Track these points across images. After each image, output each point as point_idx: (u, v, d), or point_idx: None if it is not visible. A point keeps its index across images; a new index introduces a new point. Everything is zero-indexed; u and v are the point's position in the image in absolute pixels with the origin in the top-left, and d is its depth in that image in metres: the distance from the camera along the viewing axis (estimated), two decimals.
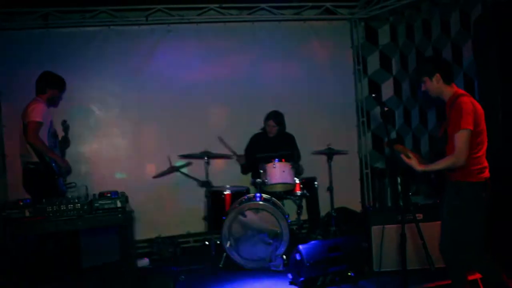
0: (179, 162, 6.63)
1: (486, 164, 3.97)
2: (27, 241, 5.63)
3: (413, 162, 3.90)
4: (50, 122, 5.80)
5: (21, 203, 4.46)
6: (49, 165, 5.59)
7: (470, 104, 3.84)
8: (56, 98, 5.98)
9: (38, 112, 5.53)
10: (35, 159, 5.55)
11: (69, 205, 4.46)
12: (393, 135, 8.40)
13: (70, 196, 4.65)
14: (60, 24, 6.91)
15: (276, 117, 6.86)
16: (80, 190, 5.32)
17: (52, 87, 5.82)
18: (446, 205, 4.10)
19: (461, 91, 4.06)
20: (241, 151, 7.14)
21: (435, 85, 4.05)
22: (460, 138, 3.78)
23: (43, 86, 5.78)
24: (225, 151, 6.88)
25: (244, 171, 7.16)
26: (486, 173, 3.95)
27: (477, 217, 3.92)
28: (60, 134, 6.12)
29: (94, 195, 4.77)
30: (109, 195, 4.66)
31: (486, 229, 3.96)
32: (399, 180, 4.93)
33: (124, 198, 4.70)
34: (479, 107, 3.92)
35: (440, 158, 3.95)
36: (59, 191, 5.62)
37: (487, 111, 4.05)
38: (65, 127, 6.17)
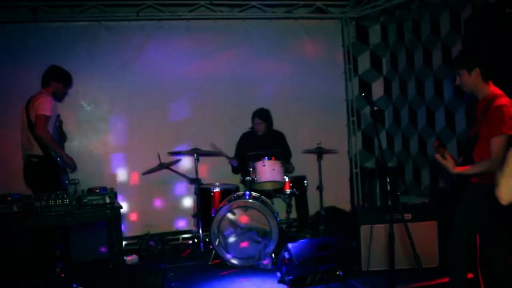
0: None
1: None
2: (16, 236, 5.62)
3: (449, 164, 3.75)
4: (57, 117, 5.78)
5: (9, 198, 4.41)
6: (54, 160, 5.57)
7: (511, 107, 3.71)
8: (60, 93, 5.97)
9: (47, 105, 5.52)
10: (38, 152, 5.52)
11: (58, 201, 4.42)
12: (383, 134, 8.44)
13: (58, 192, 4.61)
14: (50, 18, 6.84)
15: (261, 114, 6.86)
16: (77, 186, 5.28)
17: (56, 81, 5.80)
18: (467, 206, 4.00)
19: (499, 91, 3.89)
20: (230, 147, 7.11)
21: (472, 80, 3.86)
22: (499, 143, 3.63)
23: (48, 79, 5.77)
24: (215, 149, 6.86)
25: (236, 171, 7.13)
26: None
27: (502, 221, 3.83)
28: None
29: (82, 191, 4.75)
30: (97, 191, 4.63)
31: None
32: (388, 179, 4.91)
33: (113, 194, 4.67)
34: None
35: (466, 158, 3.88)
36: (62, 186, 5.60)
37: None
38: (59, 121, 6.13)
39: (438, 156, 3.76)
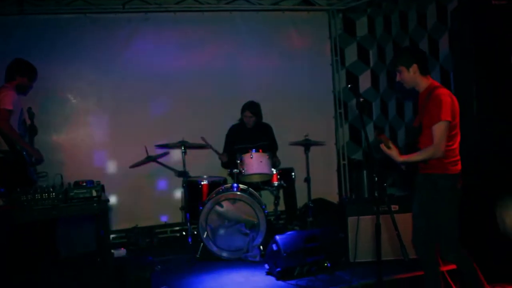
0: None
1: (459, 157, 4.01)
2: (2, 231, 5.57)
3: (393, 153, 3.88)
4: (21, 110, 5.71)
5: None
6: (20, 154, 5.51)
7: (448, 97, 3.87)
8: (25, 87, 5.88)
9: (9, 99, 5.43)
10: (4, 147, 5.46)
11: (44, 194, 4.38)
12: (370, 126, 8.46)
13: (44, 185, 4.57)
14: (36, 11, 6.77)
15: (252, 107, 6.84)
16: (55, 179, 5.23)
17: (21, 75, 5.72)
18: (420, 198, 4.15)
19: (437, 83, 4.08)
20: (218, 140, 7.09)
21: (411, 75, 4.04)
22: (439, 130, 3.79)
23: (13, 73, 5.69)
24: (202, 141, 6.84)
25: (226, 166, 7.12)
26: (459, 166, 4.00)
27: (453, 209, 3.97)
28: (27, 122, 6.01)
29: (69, 184, 4.71)
30: (84, 184, 4.59)
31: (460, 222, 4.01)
32: (374, 171, 4.94)
33: (100, 187, 4.63)
34: (455, 99, 3.94)
35: (413, 149, 3.97)
36: (30, 180, 5.54)
37: (463, 103, 4.09)
38: (31, 114, 6.05)
39: (382, 146, 3.89)
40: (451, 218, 3.98)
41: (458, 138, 3.99)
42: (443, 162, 3.90)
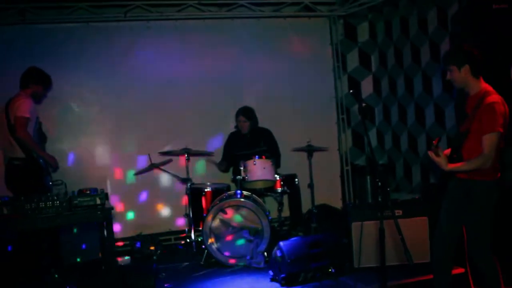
0: None
1: (498, 164, 3.89)
2: (7, 239, 5.58)
3: (442, 161, 3.77)
4: (36, 119, 5.76)
5: None
6: (36, 162, 5.55)
7: (502, 105, 3.74)
8: (40, 95, 5.95)
9: (26, 107, 5.50)
10: (20, 154, 5.49)
11: (48, 203, 4.40)
12: (373, 132, 8.47)
13: (48, 194, 4.59)
14: (38, 20, 6.79)
15: (246, 112, 6.85)
16: (59, 187, 5.26)
17: (36, 83, 5.77)
18: (451, 203, 4.06)
19: (490, 88, 3.89)
20: (221, 147, 7.12)
21: (462, 76, 3.88)
22: (491, 140, 3.67)
23: (27, 81, 5.73)
24: (206, 148, 6.86)
25: (224, 171, 7.13)
26: (499, 173, 3.89)
27: (487, 217, 3.88)
28: None
29: (73, 192, 4.73)
30: (88, 192, 4.61)
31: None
32: (378, 176, 4.93)
33: (104, 195, 4.65)
34: (507, 108, 3.80)
35: (456, 154, 3.90)
36: (46, 188, 5.57)
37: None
38: (38, 123, 6.09)
39: (431, 153, 3.78)
40: (484, 225, 3.88)
41: (501, 146, 3.86)
42: (486, 169, 3.76)
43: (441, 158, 3.77)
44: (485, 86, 3.90)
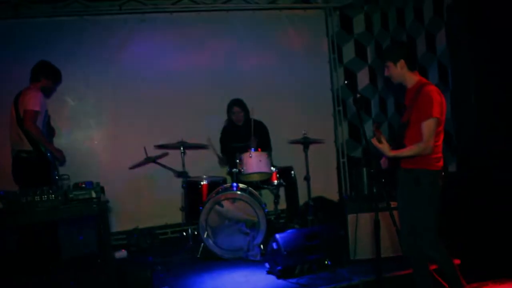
0: None
1: (441, 154, 4.04)
2: (3, 234, 5.58)
3: (384, 148, 3.92)
4: (45, 112, 5.77)
5: None
6: (44, 155, 5.56)
7: (437, 94, 3.92)
8: (49, 89, 6.02)
9: (36, 101, 5.53)
10: (28, 147, 5.49)
11: (44, 196, 4.38)
12: (369, 124, 8.45)
13: (44, 187, 4.57)
14: (32, 14, 6.77)
15: (239, 103, 6.83)
16: (66, 182, 5.27)
17: (46, 77, 5.84)
18: (402, 193, 4.20)
19: (425, 80, 4.13)
20: (216, 140, 7.10)
21: (398, 71, 4.09)
22: (429, 126, 3.84)
23: (38, 74, 5.77)
24: (201, 141, 6.83)
25: (224, 165, 7.13)
26: (442, 162, 4.03)
27: (434, 205, 3.99)
28: None
29: (68, 186, 4.73)
30: (84, 185, 4.60)
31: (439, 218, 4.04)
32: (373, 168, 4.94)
33: (99, 189, 4.64)
34: (443, 97, 3.98)
35: (398, 144, 4.02)
36: (52, 182, 5.58)
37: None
38: (47, 117, 6.10)
39: (374, 140, 3.94)
40: (429, 214, 3.99)
41: (442, 135, 4.03)
42: (427, 158, 3.93)
43: (384, 144, 3.94)
44: (421, 78, 4.13)
